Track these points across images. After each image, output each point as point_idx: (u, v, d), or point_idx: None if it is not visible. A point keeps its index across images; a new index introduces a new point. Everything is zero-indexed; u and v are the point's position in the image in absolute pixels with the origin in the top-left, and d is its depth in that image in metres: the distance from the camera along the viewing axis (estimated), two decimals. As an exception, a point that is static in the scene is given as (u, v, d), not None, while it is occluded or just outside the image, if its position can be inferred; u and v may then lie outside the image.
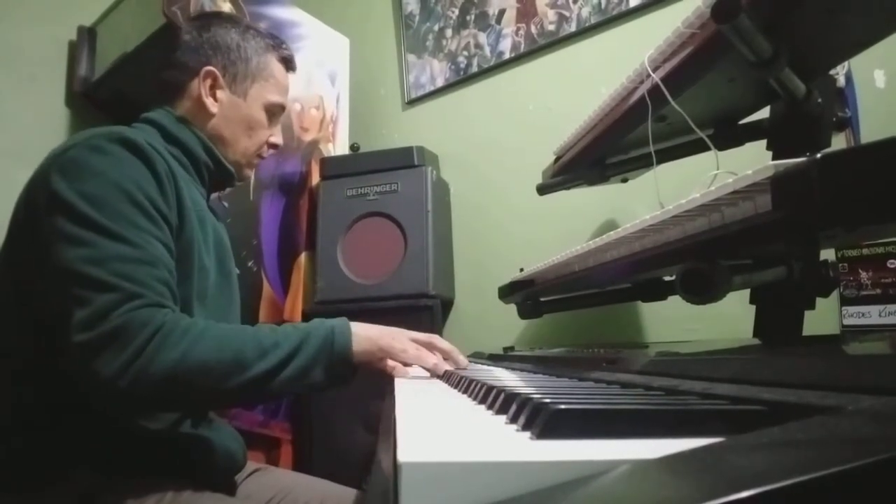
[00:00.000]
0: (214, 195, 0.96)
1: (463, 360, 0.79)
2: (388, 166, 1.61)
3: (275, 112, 0.93)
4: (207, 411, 0.81)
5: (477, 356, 1.21)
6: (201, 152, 0.86)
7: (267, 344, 0.67)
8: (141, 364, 0.60)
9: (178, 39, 0.88)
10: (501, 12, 1.71)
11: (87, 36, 1.60)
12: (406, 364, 0.74)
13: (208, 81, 0.86)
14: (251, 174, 0.95)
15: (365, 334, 0.73)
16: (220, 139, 0.88)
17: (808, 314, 0.69)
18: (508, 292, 1.15)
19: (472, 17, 1.78)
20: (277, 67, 0.93)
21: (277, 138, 0.95)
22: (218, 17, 0.92)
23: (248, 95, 0.89)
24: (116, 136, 0.70)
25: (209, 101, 0.86)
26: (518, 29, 1.66)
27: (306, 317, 1.60)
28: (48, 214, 0.65)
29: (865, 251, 0.91)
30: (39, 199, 0.68)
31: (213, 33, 0.88)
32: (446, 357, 0.78)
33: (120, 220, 0.66)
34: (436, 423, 0.36)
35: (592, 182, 1.09)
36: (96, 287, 0.62)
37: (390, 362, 0.73)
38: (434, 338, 0.79)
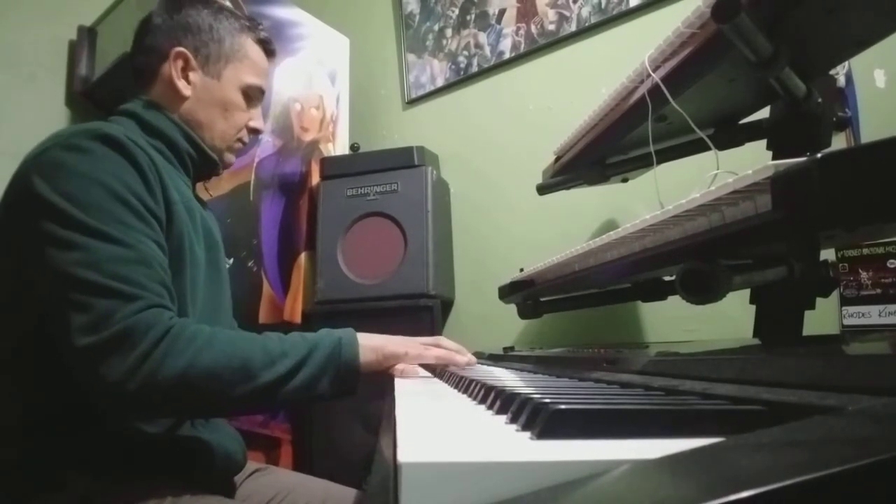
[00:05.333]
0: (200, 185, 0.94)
1: (462, 359, 0.80)
2: (388, 166, 1.61)
3: (253, 95, 0.90)
4: (215, 418, 0.80)
5: (477, 356, 1.20)
6: (182, 141, 0.83)
7: (275, 353, 0.66)
8: (148, 368, 0.59)
9: (150, 24, 0.86)
10: (501, 12, 1.71)
11: (87, 36, 1.60)
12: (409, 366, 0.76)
13: (179, 63, 0.84)
14: (233, 159, 0.92)
15: (371, 345, 0.73)
16: (195, 123, 0.85)
17: (808, 314, 0.69)
18: (508, 292, 1.15)
19: (473, 16, 1.78)
20: (254, 49, 0.90)
21: (258, 122, 0.92)
22: None
23: (222, 77, 0.86)
24: (95, 133, 0.68)
25: (181, 84, 0.84)
26: (518, 29, 1.66)
27: (306, 317, 1.60)
28: (33, 219, 0.64)
29: (865, 251, 0.91)
30: (21, 204, 0.66)
31: (184, 15, 0.85)
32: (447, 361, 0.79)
33: (108, 220, 0.64)
34: (436, 423, 0.36)
35: (592, 182, 1.09)
36: (93, 291, 0.60)
37: (398, 367, 0.74)
38: (440, 339, 0.82)
